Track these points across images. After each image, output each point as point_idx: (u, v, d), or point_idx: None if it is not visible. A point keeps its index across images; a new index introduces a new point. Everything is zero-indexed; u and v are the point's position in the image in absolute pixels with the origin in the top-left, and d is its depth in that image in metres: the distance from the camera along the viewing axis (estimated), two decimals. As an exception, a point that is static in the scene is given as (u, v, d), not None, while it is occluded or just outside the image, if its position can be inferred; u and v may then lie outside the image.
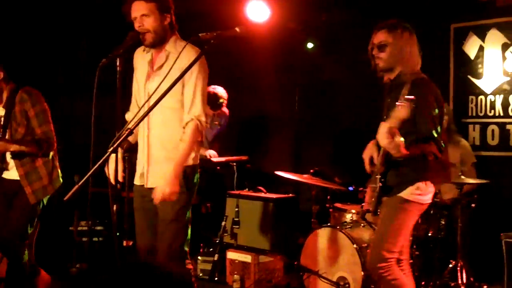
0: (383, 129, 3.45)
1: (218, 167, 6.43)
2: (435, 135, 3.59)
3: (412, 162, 3.67)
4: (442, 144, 3.63)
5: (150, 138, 3.82)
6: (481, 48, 6.29)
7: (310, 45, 7.42)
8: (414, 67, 3.81)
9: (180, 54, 3.47)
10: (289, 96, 7.50)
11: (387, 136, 3.41)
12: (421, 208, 3.82)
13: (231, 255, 5.72)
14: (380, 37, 3.83)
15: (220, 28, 3.22)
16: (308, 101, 7.47)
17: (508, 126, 6.07)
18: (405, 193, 3.74)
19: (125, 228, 3.22)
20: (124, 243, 3.40)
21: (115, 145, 2.98)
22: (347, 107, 7.20)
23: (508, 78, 6.09)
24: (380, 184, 3.76)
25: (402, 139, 3.43)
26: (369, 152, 3.97)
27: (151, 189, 3.74)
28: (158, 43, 3.76)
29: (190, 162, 3.77)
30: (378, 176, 3.77)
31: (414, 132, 3.62)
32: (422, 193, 3.75)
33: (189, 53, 3.54)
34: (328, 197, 5.90)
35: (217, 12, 6.50)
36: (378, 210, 3.81)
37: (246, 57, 7.27)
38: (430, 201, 3.83)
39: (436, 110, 3.65)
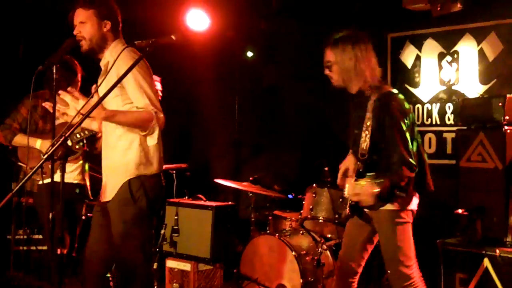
0: (351, 189, 3.53)
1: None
2: (407, 158, 3.51)
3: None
4: (413, 162, 3.54)
5: (103, 148, 3.74)
6: (417, 58, 6.41)
7: (249, 54, 7.44)
8: (372, 80, 3.67)
9: (117, 61, 3.41)
10: (229, 103, 7.49)
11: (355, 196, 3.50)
12: (413, 213, 3.77)
13: (170, 263, 5.67)
14: (326, 56, 3.74)
15: (159, 36, 3.19)
16: (248, 108, 7.47)
17: (444, 134, 6.20)
18: (393, 205, 3.66)
19: (60, 236, 3.13)
20: (58, 251, 3.30)
21: (49, 152, 2.89)
22: (287, 115, 7.23)
23: (445, 87, 6.22)
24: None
25: (375, 190, 3.44)
26: (346, 164, 3.91)
27: (105, 202, 3.65)
28: (96, 50, 3.70)
29: (133, 173, 3.61)
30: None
31: (385, 154, 3.58)
32: (409, 201, 3.70)
33: (125, 59, 3.47)
34: (268, 204, 5.92)
35: (156, 20, 6.42)
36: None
37: (186, 65, 7.22)
38: (416, 206, 3.78)
39: (404, 126, 3.56)
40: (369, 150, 3.55)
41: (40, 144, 4.84)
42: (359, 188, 3.50)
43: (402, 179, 3.55)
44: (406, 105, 3.68)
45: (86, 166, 5.27)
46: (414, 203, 3.75)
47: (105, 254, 3.72)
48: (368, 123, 3.57)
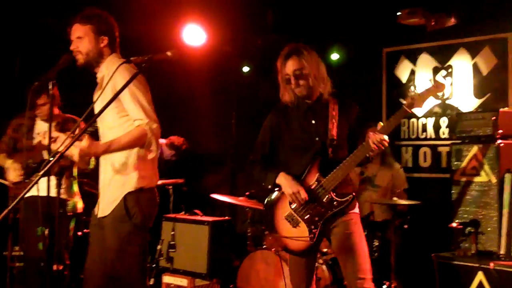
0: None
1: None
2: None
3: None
4: None
5: (100, 162, 3.75)
6: (412, 72, 6.46)
7: (246, 69, 7.48)
8: (329, 85, 3.73)
9: (113, 76, 3.43)
10: (226, 118, 7.52)
11: None
12: None
13: (167, 279, 5.66)
14: (292, 65, 3.69)
15: (156, 52, 3.22)
16: (245, 123, 7.50)
17: (439, 148, 6.24)
18: (356, 208, 3.68)
19: (56, 252, 3.14)
20: (55, 267, 3.31)
21: (45, 169, 2.91)
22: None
23: (439, 102, 6.26)
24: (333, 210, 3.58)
25: None
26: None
27: (102, 217, 3.66)
28: (93, 65, 3.73)
29: (131, 187, 3.58)
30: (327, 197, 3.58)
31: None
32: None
33: (122, 73, 3.49)
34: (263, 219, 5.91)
35: (154, 35, 6.47)
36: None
37: (183, 80, 7.26)
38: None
39: None
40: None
41: (9, 164, 4.93)
42: None
43: None
44: None
45: (75, 186, 5.28)
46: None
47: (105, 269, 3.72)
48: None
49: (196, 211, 5.99)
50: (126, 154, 3.59)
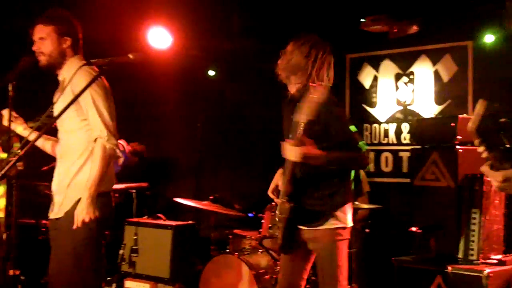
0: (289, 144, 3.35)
1: (116, 194, 6.31)
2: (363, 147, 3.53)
3: (331, 185, 3.54)
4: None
5: (57, 164, 3.72)
6: (375, 78, 6.54)
7: (211, 72, 7.48)
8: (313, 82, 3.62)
9: (73, 78, 3.42)
10: (191, 122, 7.50)
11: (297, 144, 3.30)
12: (350, 229, 3.62)
13: (129, 284, 5.62)
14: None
15: (118, 54, 3.20)
16: (210, 127, 7.49)
17: (400, 153, 6.32)
18: (335, 222, 3.51)
19: (11, 257, 3.10)
20: (11, 272, 3.27)
21: (2, 172, 2.88)
22: (249, 134, 7.27)
23: (401, 107, 6.35)
24: (288, 216, 3.50)
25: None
26: (275, 181, 3.80)
27: (56, 219, 3.63)
28: (55, 66, 3.70)
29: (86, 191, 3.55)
30: (287, 205, 3.51)
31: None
32: (347, 215, 3.54)
33: (82, 76, 3.48)
34: (228, 223, 5.93)
35: (118, 38, 6.43)
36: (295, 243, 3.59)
37: (149, 83, 7.23)
38: (352, 222, 3.62)
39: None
40: None
41: None
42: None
43: (353, 161, 3.56)
44: None
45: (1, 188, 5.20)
46: (350, 219, 3.60)
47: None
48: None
49: (159, 215, 5.96)
50: (84, 158, 3.58)
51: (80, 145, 3.60)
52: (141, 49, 6.16)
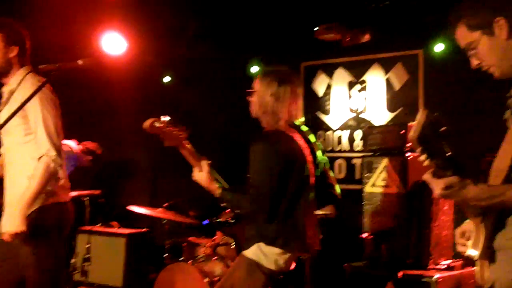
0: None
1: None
2: None
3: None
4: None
5: (7, 176, 3.65)
6: (328, 86, 6.61)
7: (166, 79, 7.46)
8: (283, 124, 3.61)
9: (19, 86, 3.37)
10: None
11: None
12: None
13: (81, 293, 5.58)
14: (254, 83, 3.66)
15: (68, 60, 3.17)
16: (165, 134, 7.45)
17: (353, 160, 6.39)
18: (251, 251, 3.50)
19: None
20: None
21: None
22: (204, 141, 7.23)
23: (354, 115, 6.42)
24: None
25: None
26: None
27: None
28: (2, 75, 3.64)
29: (39, 203, 3.50)
30: None
31: None
32: (266, 255, 3.46)
33: (28, 86, 3.43)
34: (182, 231, 5.90)
35: (71, 43, 6.36)
36: None
37: (104, 89, 7.15)
38: (273, 268, 3.49)
39: None
40: None
41: None
42: None
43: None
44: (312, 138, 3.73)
45: None
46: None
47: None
48: None
49: (113, 223, 5.92)
50: (26, 177, 3.52)
51: (25, 157, 3.55)
52: (94, 54, 6.09)
